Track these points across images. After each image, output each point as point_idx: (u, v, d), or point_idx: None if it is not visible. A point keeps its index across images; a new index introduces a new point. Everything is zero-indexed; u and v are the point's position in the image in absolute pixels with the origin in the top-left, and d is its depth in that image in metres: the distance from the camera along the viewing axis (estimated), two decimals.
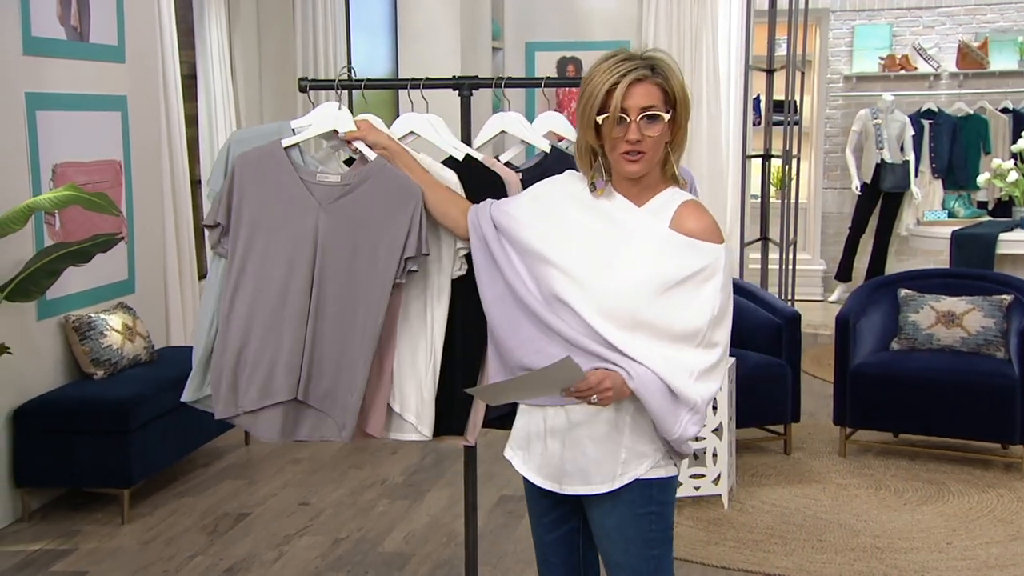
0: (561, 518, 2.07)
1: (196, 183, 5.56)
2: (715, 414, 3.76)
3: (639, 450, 1.93)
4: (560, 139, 2.34)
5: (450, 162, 2.27)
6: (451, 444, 2.37)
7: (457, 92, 2.35)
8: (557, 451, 1.96)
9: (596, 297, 1.87)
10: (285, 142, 2.22)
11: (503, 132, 2.35)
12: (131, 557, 3.46)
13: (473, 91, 2.34)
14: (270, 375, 2.21)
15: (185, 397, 2.34)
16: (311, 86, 2.32)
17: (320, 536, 3.65)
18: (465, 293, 2.20)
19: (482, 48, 6.65)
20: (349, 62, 6.08)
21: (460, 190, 2.18)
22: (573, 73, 7.19)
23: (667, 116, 1.87)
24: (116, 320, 4.05)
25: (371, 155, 2.21)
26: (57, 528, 3.68)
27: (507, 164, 2.34)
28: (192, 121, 5.49)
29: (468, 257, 2.16)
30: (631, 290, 1.86)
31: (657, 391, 1.86)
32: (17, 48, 3.69)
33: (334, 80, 2.24)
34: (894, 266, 7.86)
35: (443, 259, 2.21)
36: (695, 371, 1.88)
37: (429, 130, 2.25)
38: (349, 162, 2.30)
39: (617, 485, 1.93)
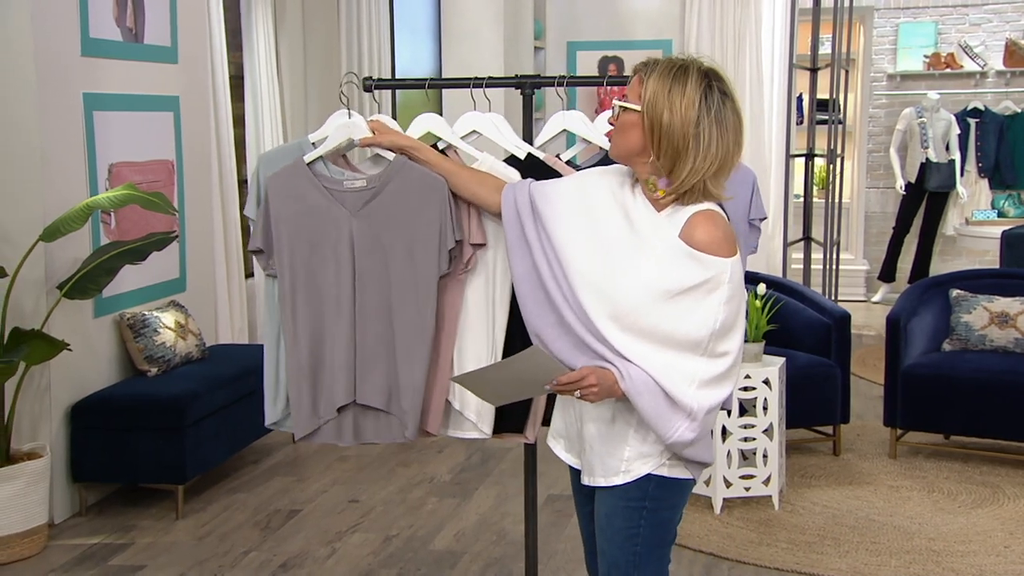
0: (592, 496, 2.08)
1: (243, 183, 5.62)
2: (765, 414, 3.74)
3: (643, 450, 1.94)
4: None
5: (512, 160, 2.28)
6: (511, 441, 2.38)
7: (519, 91, 2.36)
8: (578, 442, 2.04)
9: (604, 297, 1.89)
10: (306, 158, 2.25)
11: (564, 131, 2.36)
12: (187, 552, 3.50)
13: (535, 90, 2.35)
14: (335, 380, 2.25)
15: (268, 422, 2.37)
16: (376, 85, 2.34)
17: (371, 533, 3.67)
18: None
19: (524, 48, 6.67)
20: (393, 63, 6.11)
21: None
22: (614, 72, 7.17)
23: (635, 108, 1.87)
24: (169, 318, 4.11)
25: (390, 155, 2.24)
26: (113, 523, 3.74)
27: (567, 163, 2.34)
28: (239, 121, 5.55)
29: None
30: (635, 294, 1.87)
31: (649, 394, 1.87)
32: (76, 49, 3.75)
33: (399, 80, 2.25)
34: (938, 266, 7.76)
35: (503, 255, 2.23)
36: (697, 379, 1.88)
37: (491, 129, 2.27)
38: None
39: (618, 481, 1.96)
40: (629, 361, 1.87)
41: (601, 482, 1.98)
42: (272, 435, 4.54)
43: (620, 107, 1.91)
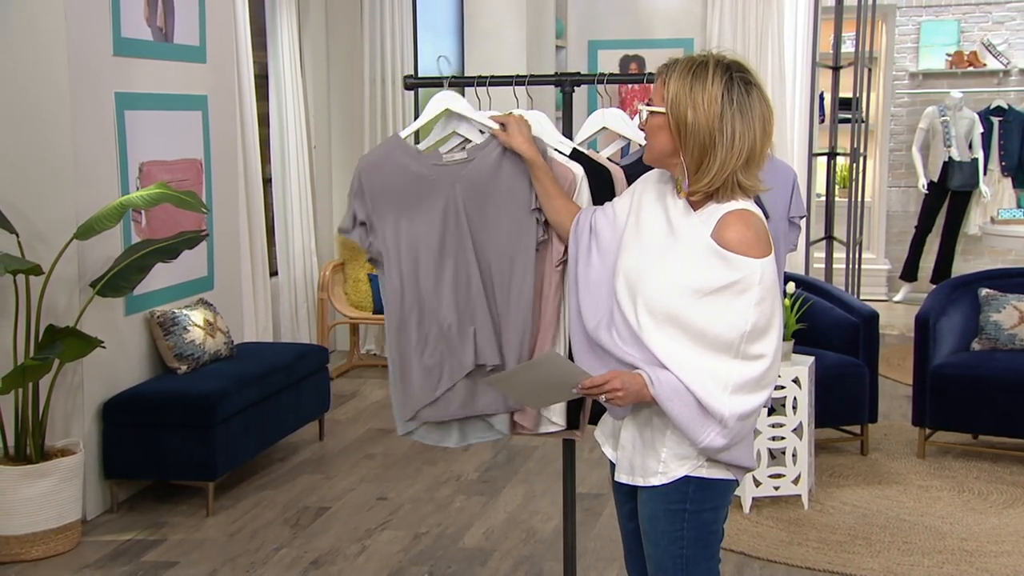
0: (636, 510, 2.09)
1: (267, 182, 5.64)
2: (794, 413, 3.73)
3: (680, 452, 1.94)
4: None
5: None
6: (560, 436, 2.38)
7: (559, 89, 2.36)
8: (619, 440, 2.05)
9: (639, 296, 1.90)
10: (403, 133, 2.30)
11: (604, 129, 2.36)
12: (219, 549, 3.52)
13: (576, 87, 2.35)
14: (452, 350, 2.26)
15: (401, 431, 2.36)
16: (418, 84, 2.35)
17: (400, 531, 3.68)
18: None
19: (546, 47, 6.67)
20: (415, 62, 6.12)
21: (586, 182, 2.21)
22: (636, 71, 7.16)
23: (659, 110, 1.88)
24: (198, 316, 4.13)
25: (480, 138, 2.28)
26: (145, 519, 3.76)
27: (608, 158, 2.35)
28: (263, 120, 5.57)
29: None
30: (668, 292, 1.87)
31: (679, 400, 1.86)
32: (108, 49, 3.78)
33: (441, 78, 2.26)
34: (961, 266, 7.72)
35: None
36: (731, 384, 1.86)
37: (535, 126, 2.27)
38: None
39: (655, 482, 1.96)
40: (659, 364, 1.87)
41: (639, 481, 1.99)
42: (299, 433, 4.55)
43: (647, 111, 1.92)
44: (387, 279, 2.28)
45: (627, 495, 2.10)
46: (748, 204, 1.91)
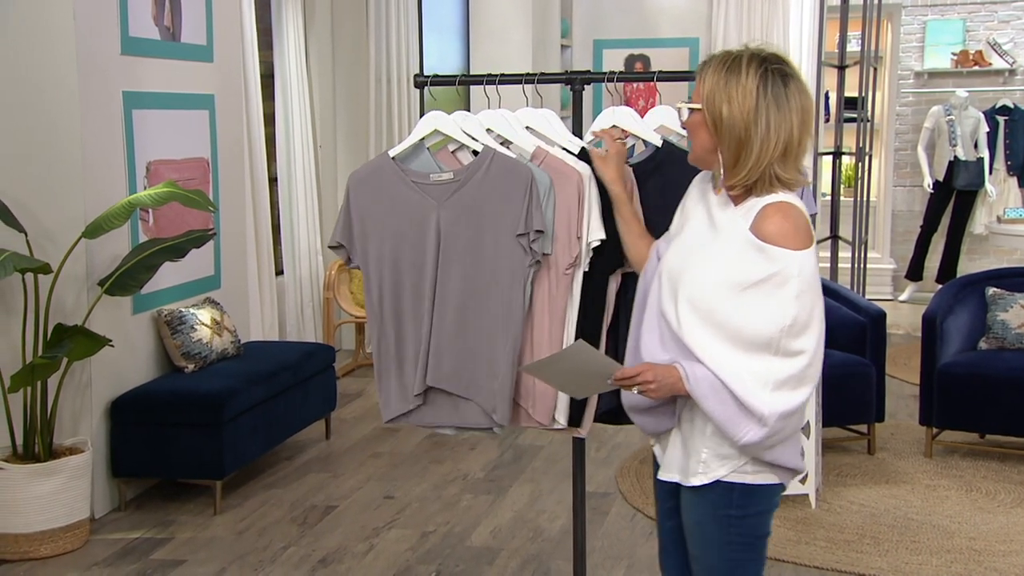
0: (676, 508, 2.07)
1: (272, 181, 5.65)
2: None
3: (721, 452, 1.91)
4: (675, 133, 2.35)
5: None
6: (565, 434, 2.39)
7: (570, 87, 2.36)
8: (664, 439, 2.03)
9: (682, 293, 1.88)
10: (392, 152, 2.30)
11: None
12: (227, 547, 3.52)
13: (585, 86, 2.35)
14: (416, 367, 2.28)
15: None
16: (432, 82, 2.35)
17: (408, 529, 3.68)
18: (591, 288, 2.23)
19: (551, 46, 6.67)
20: (421, 62, 6.12)
21: (593, 182, 2.21)
22: (641, 70, 7.16)
23: (696, 107, 1.89)
24: (205, 315, 4.13)
25: (479, 147, 2.25)
26: (152, 517, 3.77)
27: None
28: (269, 119, 5.58)
29: (596, 250, 2.20)
30: (708, 288, 1.86)
31: (715, 396, 1.84)
32: (115, 48, 3.78)
33: (451, 76, 2.27)
34: (966, 265, 7.71)
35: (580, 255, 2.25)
36: (771, 381, 1.83)
37: (544, 124, 2.27)
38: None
39: (695, 482, 1.94)
40: (696, 360, 1.85)
41: (678, 479, 1.97)
42: (305, 432, 4.56)
43: (686, 109, 1.92)
44: (367, 296, 2.31)
45: (669, 493, 2.06)
46: (788, 196, 1.88)
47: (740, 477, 1.91)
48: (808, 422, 3.73)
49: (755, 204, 1.89)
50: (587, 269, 2.24)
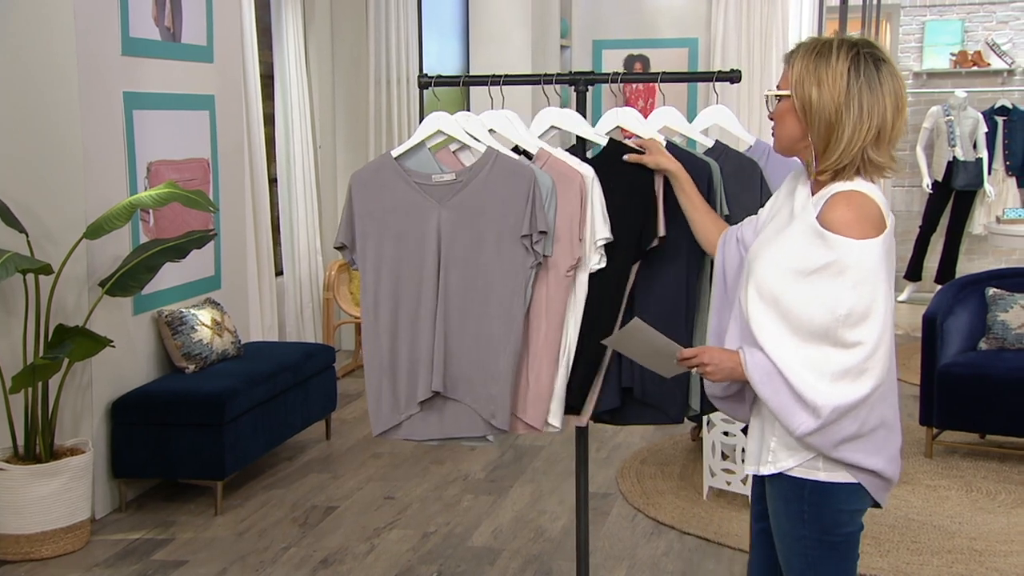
0: (765, 512, 2.03)
1: (272, 181, 5.65)
2: None
3: (789, 442, 1.87)
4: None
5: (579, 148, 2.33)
6: (568, 425, 2.38)
7: (573, 88, 2.36)
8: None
9: (753, 277, 1.89)
10: (394, 152, 2.29)
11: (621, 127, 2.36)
12: (228, 547, 3.52)
13: (589, 86, 2.35)
14: (416, 374, 2.27)
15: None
16: (436, 83, 2.35)
17: (409, 530, 3.68)
18: (599, 286, 2.24)
19: (551, 47, 6.67)
20: (421, 62, 6.12)
21: (597, 183, 2.22)
22: (640, 71, 7.16)
23: (785, 93, 1.88)
24: (205, 315, 4.13)
25: (480, 148, 2.26)
26: (153, 518, 3.76)
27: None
28: (268, 120, 5.58)
29: (606, 248, 2.22)
30: (773, 273, 1.85)
31: (769, 382, 1.82)
32: (116, 49, 3.78)
33: (455, 77, 2.27)
34: (965, 266, 7.73)
35: (587, 253, 2.25)
36: (828, 372, 1.79)
37: (569, 123, 2.29)
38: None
39: (765, 471, 1.92)
40: (757, 346, 1.84)
41: (751, 469, 1.95)
42: (306, 432, 4.56)
43: (774, 96, 1.90)
44: (363, 300, 2.29)
45: (758, 496, 2.04)
46: (861, 185, 1.85)
47: (811, 473, 1.86)
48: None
49: (829, 191, 1.86)
50: (603, 266, 2.24)
